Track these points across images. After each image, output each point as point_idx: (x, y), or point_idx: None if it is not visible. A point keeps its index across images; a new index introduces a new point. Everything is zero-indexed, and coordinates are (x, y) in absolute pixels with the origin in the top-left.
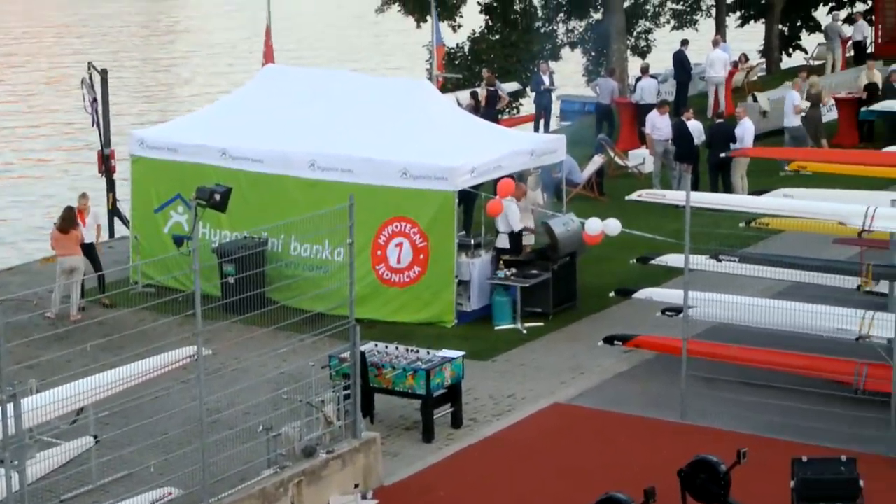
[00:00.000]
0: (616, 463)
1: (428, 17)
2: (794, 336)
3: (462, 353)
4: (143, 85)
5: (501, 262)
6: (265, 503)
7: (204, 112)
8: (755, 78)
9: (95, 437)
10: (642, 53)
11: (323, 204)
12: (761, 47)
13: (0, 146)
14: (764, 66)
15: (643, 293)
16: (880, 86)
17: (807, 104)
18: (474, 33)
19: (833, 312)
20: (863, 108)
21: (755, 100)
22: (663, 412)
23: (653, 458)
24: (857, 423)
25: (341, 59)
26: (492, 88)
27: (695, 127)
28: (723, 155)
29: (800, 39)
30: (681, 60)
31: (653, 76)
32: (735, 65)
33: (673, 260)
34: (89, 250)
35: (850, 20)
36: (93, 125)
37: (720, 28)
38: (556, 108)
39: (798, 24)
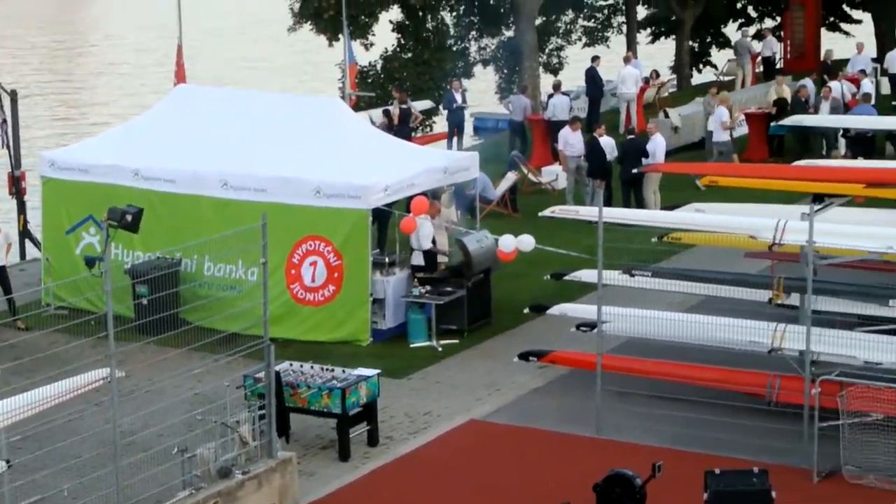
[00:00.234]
0: (532, 479)
1: (340, 36)
2: (707, 349)
3: (377, 371)
4: (53, 106)
5: (416, 279)
6: None
7: (115, 132)
8: (666, 94)
9: (7, 461)
10: (554, 70)
11: (236, 223)
12: (672, 63)
13: None
14: (675, 82)
15: (557, 309)
16: (790, 101)
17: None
18: (387, 52)
19: (745, 325)
20: (772, 123)
21: (666, 115)
22: (579, 427)
23: (569, 473)
24: (770, 434)
25: (254, 79)
26: (405, 106)
27: (607, 143)
28: (635, 170)
29: (710, 55)
30: (592, 77)
31: (565, 93)
32: (646, 81)
33: (586, 275)
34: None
35: (759, 36)
36: (2, 146)
37: (631, 45)
38: (468, 125)
39: (708, 40)
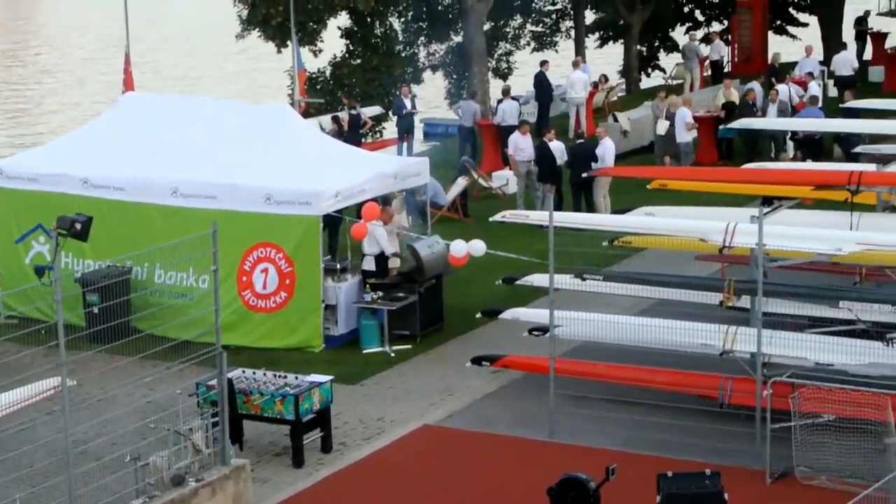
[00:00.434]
0: (486, 483)
1: (288, 43)
2: (659, 352)
3: (330, 377)
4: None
5: (368, 285)
6: None
7: (63, 141)
8: (615, 98)
9: None
10: (503, 76)
11: (187, 231)
12: (621, 68)
13: None
14: (623, 86)
15: (509, 313)
16: (738, 104)
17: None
18: (335, 58)
19: (697, 328)
20: (721, 126)
21: (616, 119)
22: (532, 431)
23: (523, 477)
24: (723, 436)
25: (203, 86)
26: (354, 112)
27: (557, 147)
28: (585, 175)
29: (658, 59)
30: (541, 82)
31: (514, 98)
32: (595, 85)
33: (538, 280)
34: None
35: (707, 40)
36: None
37: (580, 49)
38: (418, 131)
39: (656, 44)
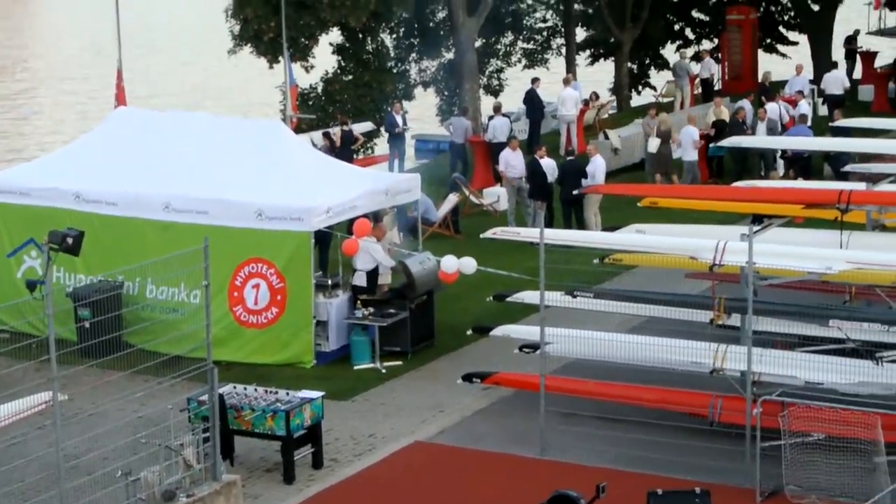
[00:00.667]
0: (477, 500)
1: (280, 58)
2: (649, 370)
3: (321, 393)
4: None
5: (359, 301)
6: None
7: (56, 155)
8: (606, 115)
9: None
10: (495, 92)
11: (178, 246)
12: (611, 85)
13: None
14: (614, 103)
15: (500, 330)
16: (728, 122)
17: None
18: (327, 74)
19: (687, 346)
20: (711, 145)
21: (606, 137)
22: (523, 448)
23: (513, 494)
24: (713, 454)
25: (196, 102)
26: (346, 128)
27: (548, 165)
28: (575, 192)
29: (649, 77)
30: (532, 99)
31: (505, 115)
32: (586, 103)
33: (529, 297)
34: None
35: (697, 58)
36: None
37: (571, 67)
38: (410, 147)
39: (647, 61)
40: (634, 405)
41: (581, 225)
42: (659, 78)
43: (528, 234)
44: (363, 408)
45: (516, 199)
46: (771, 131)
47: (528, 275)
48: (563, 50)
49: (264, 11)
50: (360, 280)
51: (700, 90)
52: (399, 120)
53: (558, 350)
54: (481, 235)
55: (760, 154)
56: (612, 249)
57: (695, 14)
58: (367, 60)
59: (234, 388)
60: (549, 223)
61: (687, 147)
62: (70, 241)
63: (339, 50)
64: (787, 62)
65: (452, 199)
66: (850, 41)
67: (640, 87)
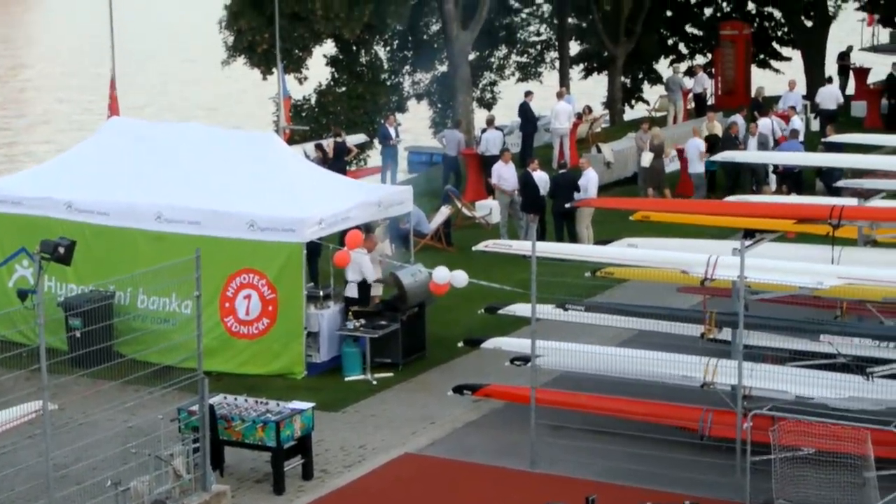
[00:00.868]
0: None
1: (274, 70)
2: (640, 383)
3: (312, 404)
4: None
5: (350, 312)
6: None
7: (48, 165)
8: (599, 129)
9: None
10: (488, 105)
11: (170, 256)
12: (604, 99)
13: None
14: (607, 117)
15: (491, 343)
16: (721, 137)
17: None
18: (321, 85)
19: (678, 360)
20: (704, 159)
21: (599, 150)
22: (513, 461)
23: None
24: (703, 468)
25: (189, 112)
26: (339, 140)
27: (541, 178)
28: (567, 205)
29: (642, 91)
30: (525, 112)
31: (498, 128)
32: (579, 116)
33: (520, 309)
34: None
35: (690, 73)
36: None
37: (564, 80)
38: (402, 159)
39: (640, 76)
40: (625, 418)
41: (573, 238)
42: (652, 92)
43: (520, 246)
44: (354, 419)
45: (508, 211)
46: (762, 146)
47: (520, 287)
48: (557, 63)
49: (258, 23)
50: (351, 291)
51: (693, 105)
52: (392, 132)
53: (549, 363)
54: (473, 248)
55: (751, 169)
56: (603, 263)
57: (688, 29)
58: (360, 72)
59: (225, 398)
60: (542, 236)
61: (693, 159)
62: (62, 250)
63: (332, 62)
64: (781, 78)
65: (445, 211)
66: (844, 57)
67: (633, 102)
